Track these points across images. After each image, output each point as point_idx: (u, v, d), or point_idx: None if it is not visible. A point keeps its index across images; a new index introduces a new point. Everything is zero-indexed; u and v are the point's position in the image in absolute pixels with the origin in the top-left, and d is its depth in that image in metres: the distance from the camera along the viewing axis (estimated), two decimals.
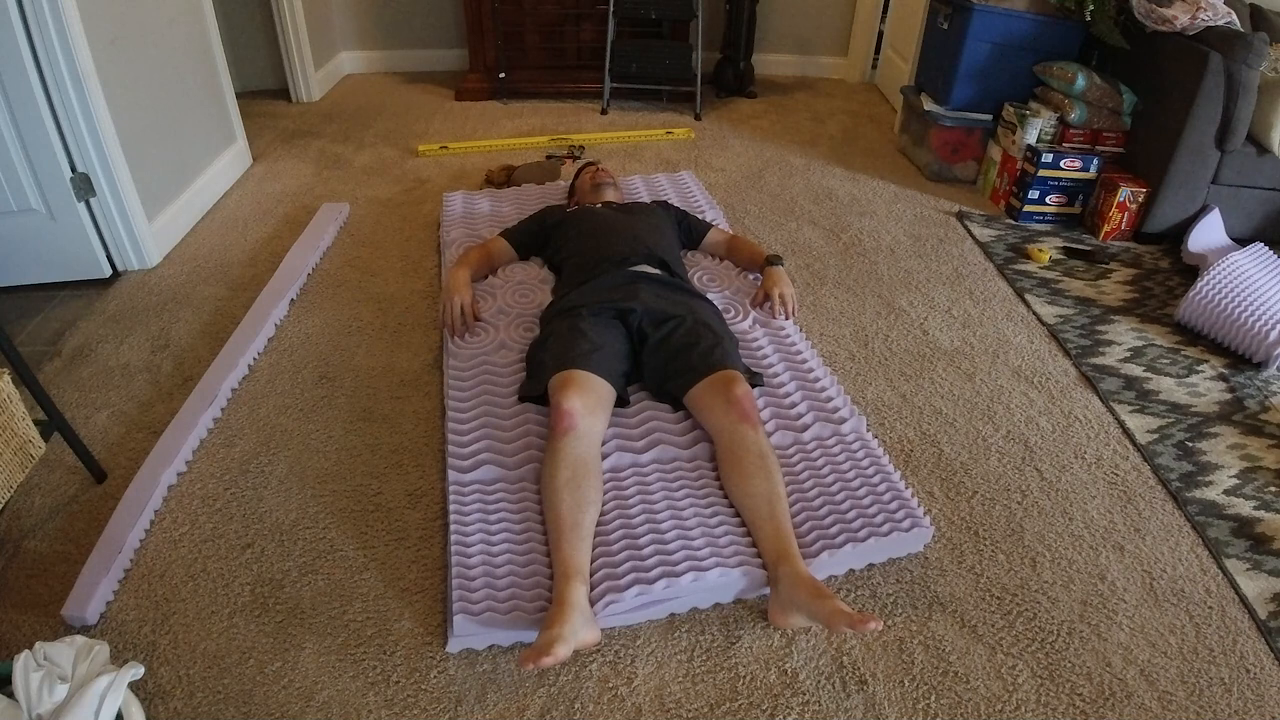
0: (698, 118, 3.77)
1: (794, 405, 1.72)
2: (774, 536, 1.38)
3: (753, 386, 1.69)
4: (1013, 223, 2.84)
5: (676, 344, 1.68)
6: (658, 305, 1.75)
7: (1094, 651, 1.35)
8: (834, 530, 1.44)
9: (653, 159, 3.27)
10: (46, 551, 1.46)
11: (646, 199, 2.63)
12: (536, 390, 1.65)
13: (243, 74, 3.83)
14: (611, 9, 3.62)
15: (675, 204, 2.44)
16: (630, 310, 1.73)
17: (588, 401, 1.52)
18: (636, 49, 3.73)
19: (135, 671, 1.11)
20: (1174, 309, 2.33)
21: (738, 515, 1.47)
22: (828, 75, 4.50)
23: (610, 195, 2.28)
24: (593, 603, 1.30)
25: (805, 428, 1.67)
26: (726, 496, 1.51)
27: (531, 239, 2.19)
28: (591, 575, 1.35)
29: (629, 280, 1.82)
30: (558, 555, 1.33)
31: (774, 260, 2.10)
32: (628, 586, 1.32)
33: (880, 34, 4.25)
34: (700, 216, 2.49)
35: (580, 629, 1.21)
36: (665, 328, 1.71)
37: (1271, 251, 2.42)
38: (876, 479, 1.55)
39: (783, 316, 2.01)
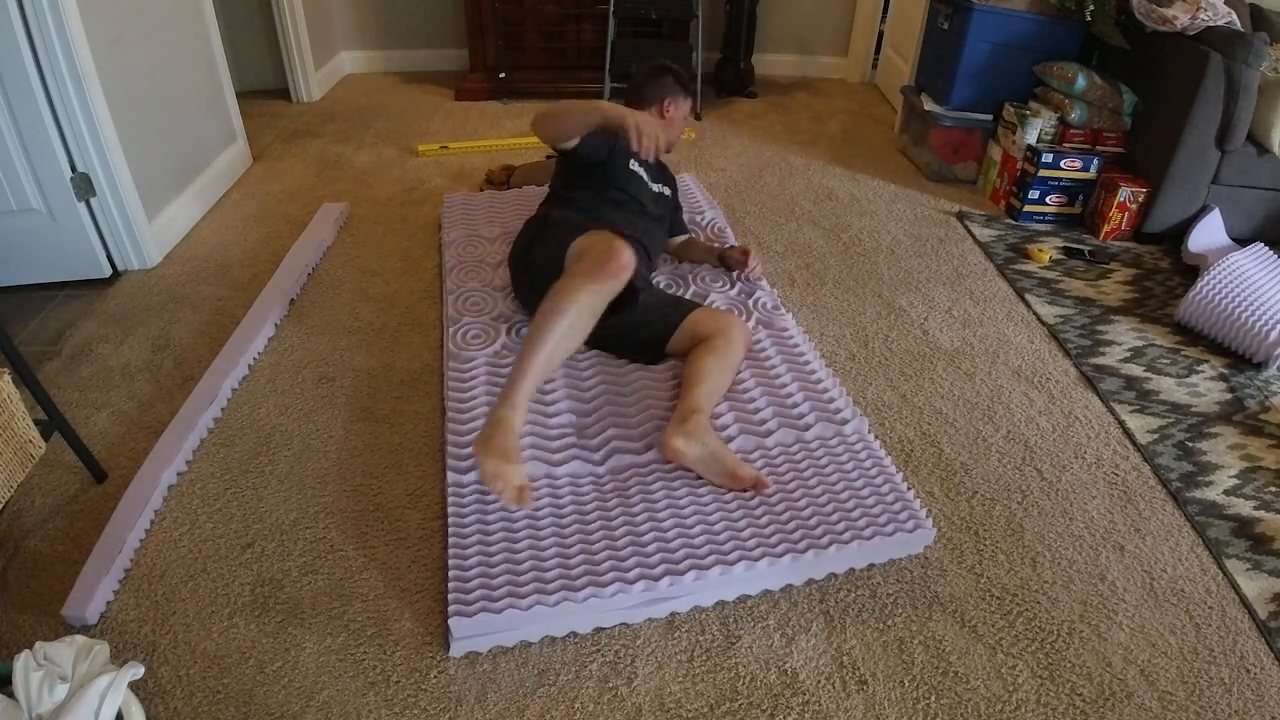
0: (698, 118, 3.77)
1: (796, 405, 1.72)
2: (702, 394, 1.56)
3: None
4: (1013, 223, 2.84)
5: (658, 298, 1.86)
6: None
7: (1094, 651, 1.35)
8: (840, 527, 1.45)
9: None
10: (46, 551, 1.46)
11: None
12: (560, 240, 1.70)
13: (243, 74, 3.83)
14: (611, 9, 3.62)
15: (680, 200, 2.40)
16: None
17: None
18: (636, 49, 3.73)
19: (135, 671, 1.11)
20: (1174, 309, 2.33)
21: (737, 512, 1.47)
22: (828, 75, 4.50)
23: (666, 159, 2.27)
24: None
25: (808, 427, 1.67)
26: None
27: (601, 143, 1.93)
28: (600, 571, 1.35)
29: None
30: (521, 384, 1.45)
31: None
32: (635, 581, 1.33)
33: (880, 34, 4.26)
34: (700, 217, 2.49)
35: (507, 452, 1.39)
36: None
37: (1271, 251, 2.42)
38: (879, 479, 1.56)
39: (755, 271, 2.15)
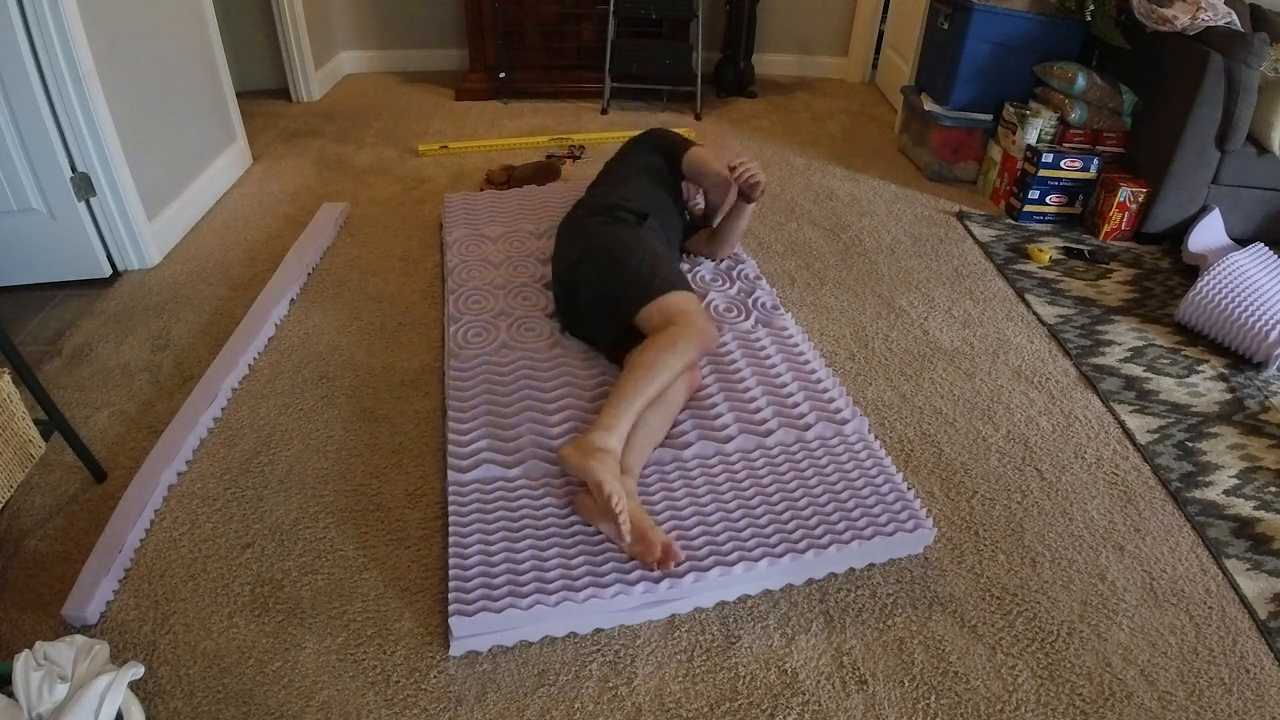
0: (698, 118, 3.77)
1: (796, 405, 1.72)
2: (635, 451, 1.52)
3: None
4: (1013, 223, 2.84)
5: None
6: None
7: (1094, 651, 1.35)
8: (841, 527, 1.45)
9: None
10: (46, 551, 1.46)
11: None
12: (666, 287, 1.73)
13: (243, 74, 3.83)
14: (611, 9, 3.62)
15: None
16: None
17: None
18: (637, 49, 3.73)
19: (135, 671, 1.11)
20: (1174, 309, 2.33)
21: (736, 512, 1.47)
22: (828, 75, 4.50)
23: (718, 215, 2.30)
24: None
25: (808, 427, 1.67)
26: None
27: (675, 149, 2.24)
28: (601, 572, 1.35)
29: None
30: (626, 419, 1.50)
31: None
32: (636, 582, 1.33)
33: (880, 34, 4.25)
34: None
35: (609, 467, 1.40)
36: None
37: (1271, 251, 2.42)
38: (880, 479, 1.56)
39: (747, 175, 1.96)
